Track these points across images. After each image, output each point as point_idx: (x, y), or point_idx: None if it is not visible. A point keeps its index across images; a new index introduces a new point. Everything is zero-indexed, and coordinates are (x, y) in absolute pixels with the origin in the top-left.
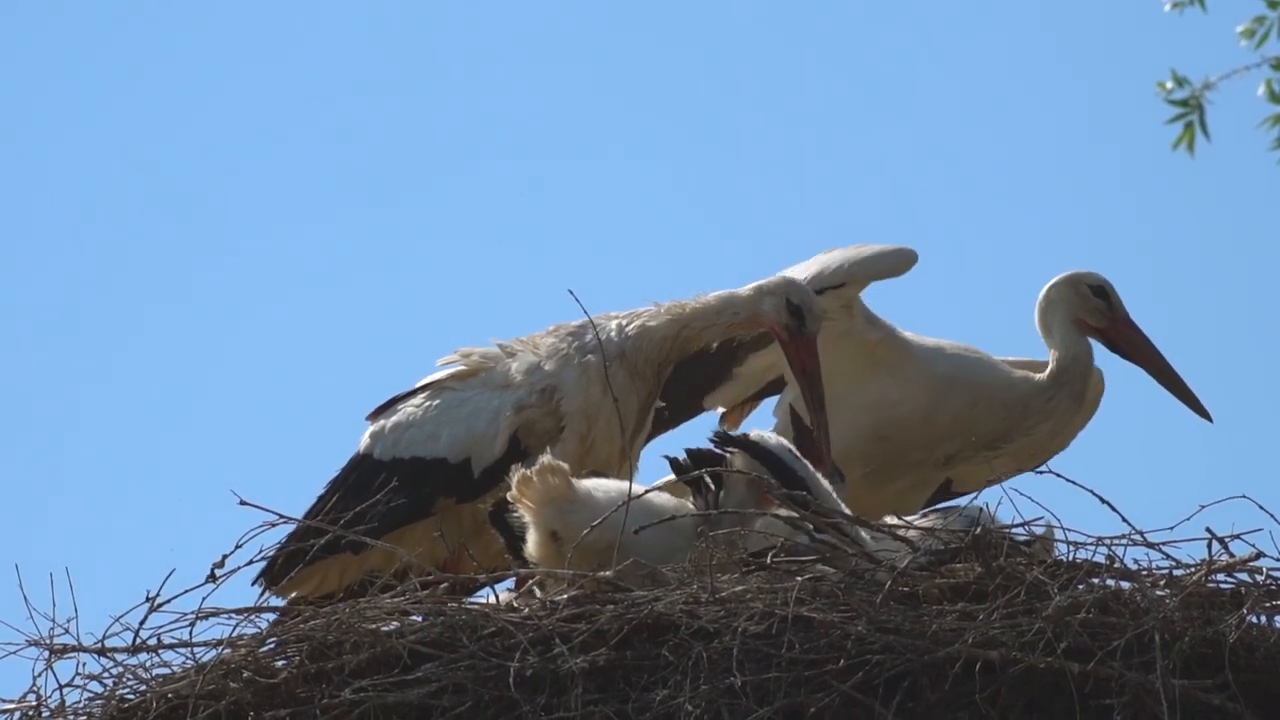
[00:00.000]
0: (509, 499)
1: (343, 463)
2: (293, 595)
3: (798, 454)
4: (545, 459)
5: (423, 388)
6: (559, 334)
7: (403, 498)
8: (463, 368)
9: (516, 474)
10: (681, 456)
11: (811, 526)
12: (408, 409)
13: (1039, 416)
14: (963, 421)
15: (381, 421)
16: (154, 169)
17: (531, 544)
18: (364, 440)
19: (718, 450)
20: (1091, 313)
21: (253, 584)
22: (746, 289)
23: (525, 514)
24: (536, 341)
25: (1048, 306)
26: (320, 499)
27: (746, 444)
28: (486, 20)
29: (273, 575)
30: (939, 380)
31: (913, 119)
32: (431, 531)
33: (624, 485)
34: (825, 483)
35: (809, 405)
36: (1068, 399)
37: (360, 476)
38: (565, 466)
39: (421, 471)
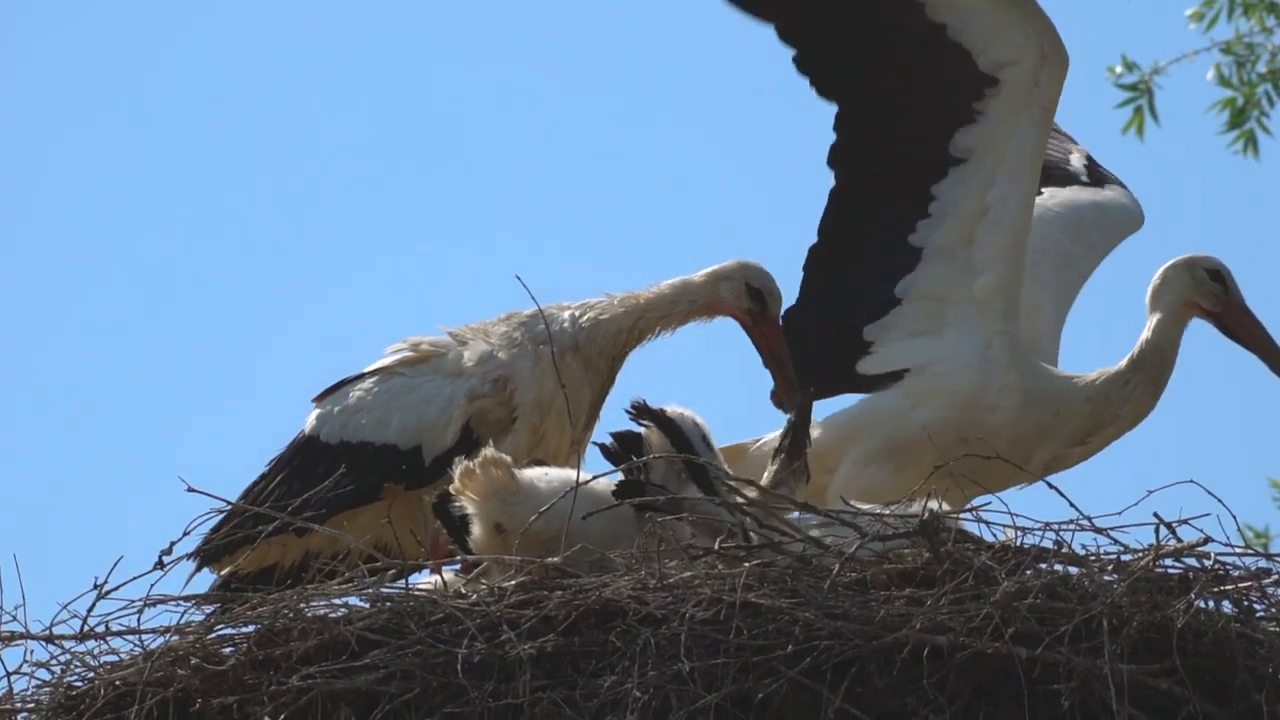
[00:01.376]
0: (451, 491)
1: (286, 443)
2: (229, 570)
3: (710, 440)
4: (488, 451)
5: (372, 372)
6: (511, 323)
7: (350, 483)
8: (412, 354)
9: (459, 467)
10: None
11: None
12: (356, 393)
13: (1119, 401)
14: (1049, 430)
15: (329, 404)
16: (84, 147)
17: (476, 536)
18: (310, 422)
19: (637, 426)
20: (1206, 296)
21: (189, 558)
22: (701, 275)
23: (469, 507)
24: (488, 329)
25: (1161, 286)
26: (263, 477)
27: (658, 418)
28: (430, 16)
29: (210, 555)
30: (1030, 394)
31: None
32: (377, 516)
33: (567, 474)
34: (726, 468)
35: (782, 390)
36: (1143, 384)
37: (306, 459)
38: (508, 459)
39: (370, 457)
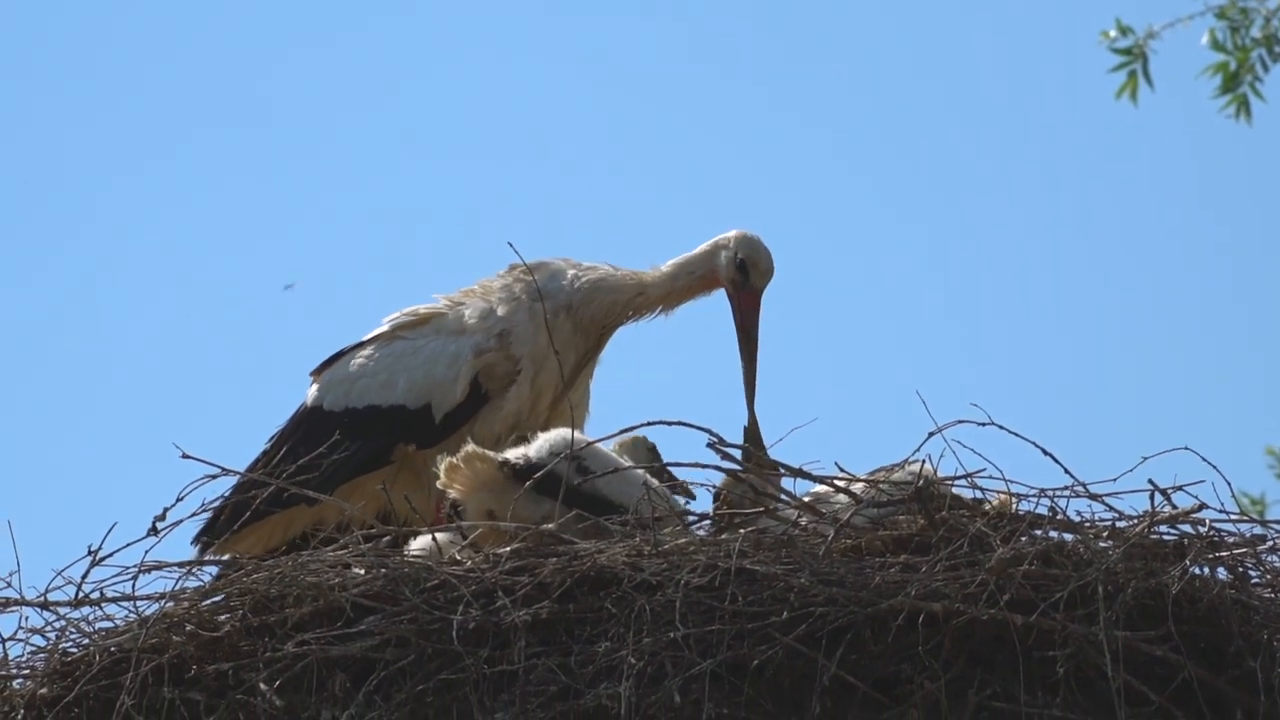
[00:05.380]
0: (439, 486)
1: (287, 417)
2: (233, 553)
3: (589, 456)
4: (469, 446)
5: (371, 340)
6: (512, 275)
7: (361, 447)
8: (413, 319)
9: (443, 462)
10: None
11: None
12: (358, 360)
13: None
14: None
15: (329, 375)
16: (100, 113)
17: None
18: (311, 393)
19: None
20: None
21: (193, 543)
22: (701, 247)
23: (459, 499)
24: (488, 285)
25: None
26: (265, 454)
27: (522, 471)
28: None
29: (215, 530)
30: None
31: (851, 71)
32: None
33: None
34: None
35: (742, 359)
36: None
37: (310, 429)
38: (490, 453)
39: (378, 419)
